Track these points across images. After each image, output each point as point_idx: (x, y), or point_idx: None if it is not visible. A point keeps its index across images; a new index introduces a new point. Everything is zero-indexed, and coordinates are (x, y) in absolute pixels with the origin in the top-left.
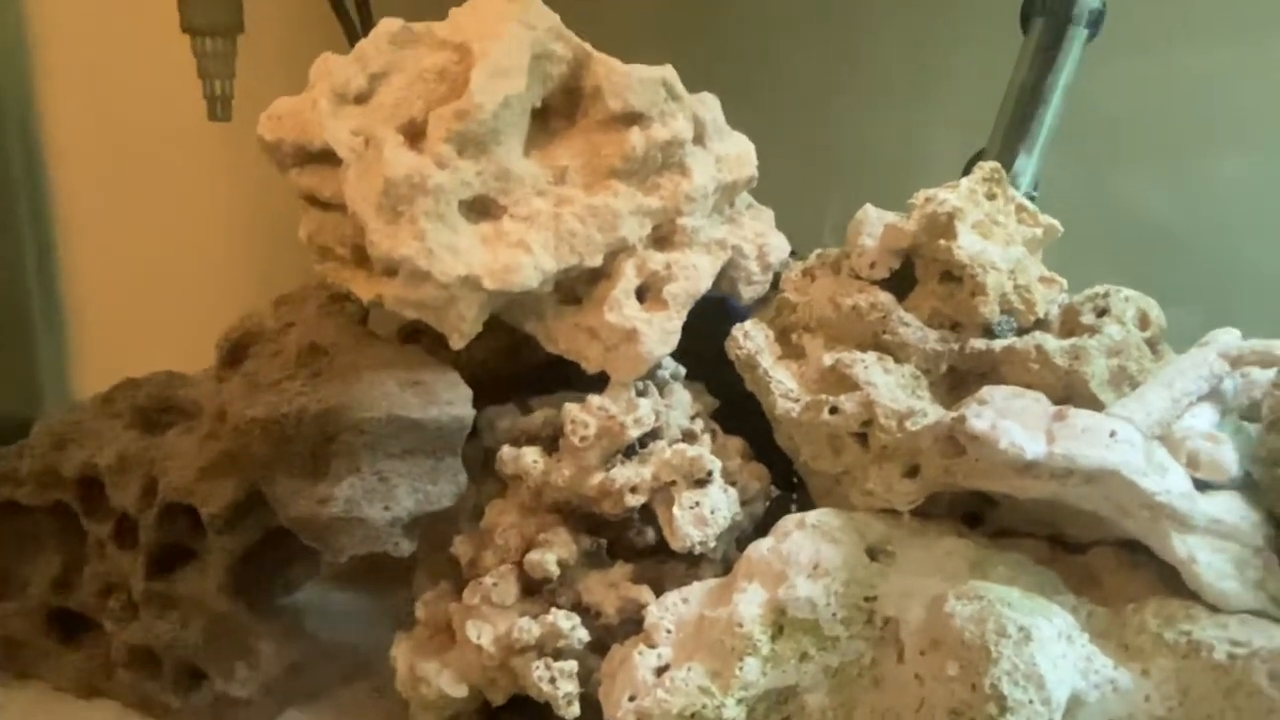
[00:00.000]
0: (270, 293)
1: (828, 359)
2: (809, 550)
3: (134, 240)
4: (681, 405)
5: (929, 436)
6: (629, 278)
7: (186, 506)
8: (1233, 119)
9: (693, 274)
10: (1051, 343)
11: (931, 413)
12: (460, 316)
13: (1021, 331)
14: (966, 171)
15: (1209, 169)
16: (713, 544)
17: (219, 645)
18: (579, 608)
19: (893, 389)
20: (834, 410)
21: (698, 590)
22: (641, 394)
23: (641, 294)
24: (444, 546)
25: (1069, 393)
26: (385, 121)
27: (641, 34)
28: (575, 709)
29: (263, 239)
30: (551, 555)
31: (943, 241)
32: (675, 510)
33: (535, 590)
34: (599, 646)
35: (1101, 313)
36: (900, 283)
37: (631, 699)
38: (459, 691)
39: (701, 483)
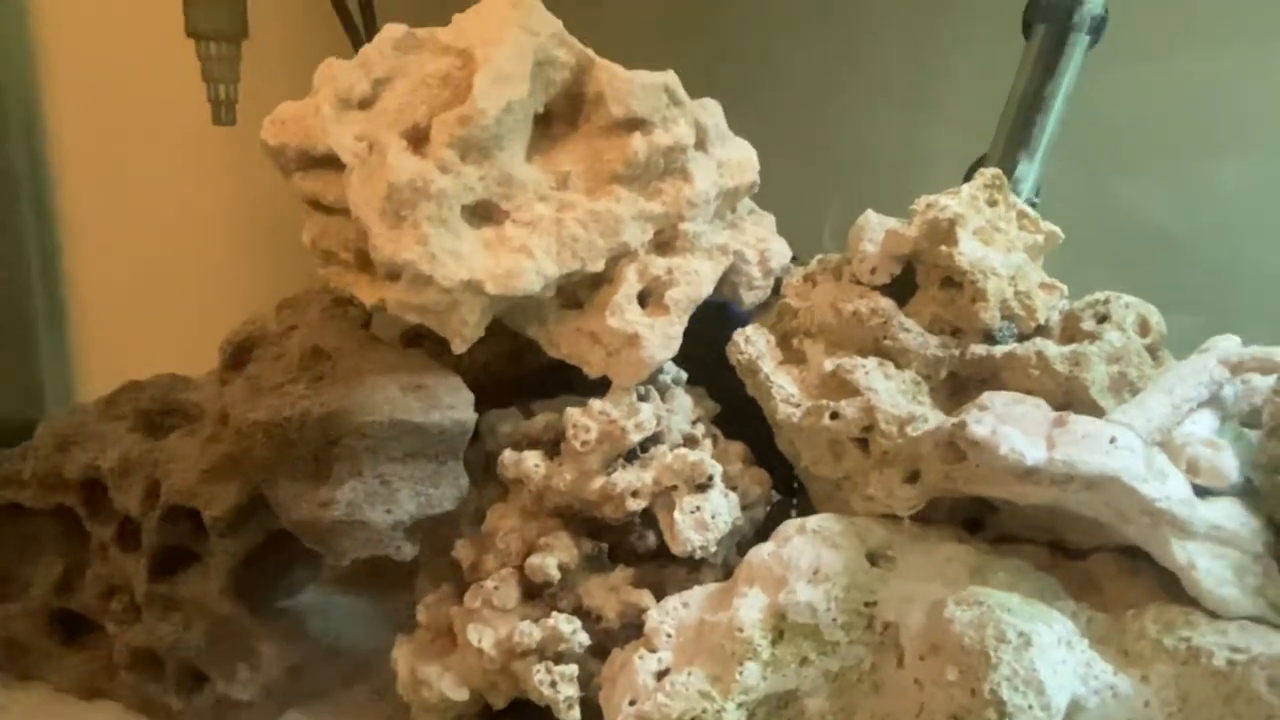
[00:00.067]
0: (273, 296)
1: (829, 364)
2: (809, 555)
3: (138, 243)
4: (683, 410)
5: (929, 442)
6: (631, 283)
7: (189, 509)
8: (1233, 125)
9: (694, 279)
10: (1052, 349)
11: (932, 418)
12: (462, 321)
13: (1022, 337)
14: (968, 177)
15: (1210, 175)
16: (713, 548)
17: (221, 647)
18: (580, 612)
19: (893, 394)
20: (835, 415)
21: (698, 595)
22: (643, 399)
23: (643, 299)
24: (445, 550)
25: (1069, 399)
26: (389, 126)
27: (642, 38)
28: (576, 713)
29: (266, 243)
30: (552, 559)
31: (944, 247)
32: (676, 515)
33: (536, 594)
34: (600, 650)
35: (1102, 319)
36: (901, 288)
37: (632, 703)
38: (460, 695)
39: (702, 487)
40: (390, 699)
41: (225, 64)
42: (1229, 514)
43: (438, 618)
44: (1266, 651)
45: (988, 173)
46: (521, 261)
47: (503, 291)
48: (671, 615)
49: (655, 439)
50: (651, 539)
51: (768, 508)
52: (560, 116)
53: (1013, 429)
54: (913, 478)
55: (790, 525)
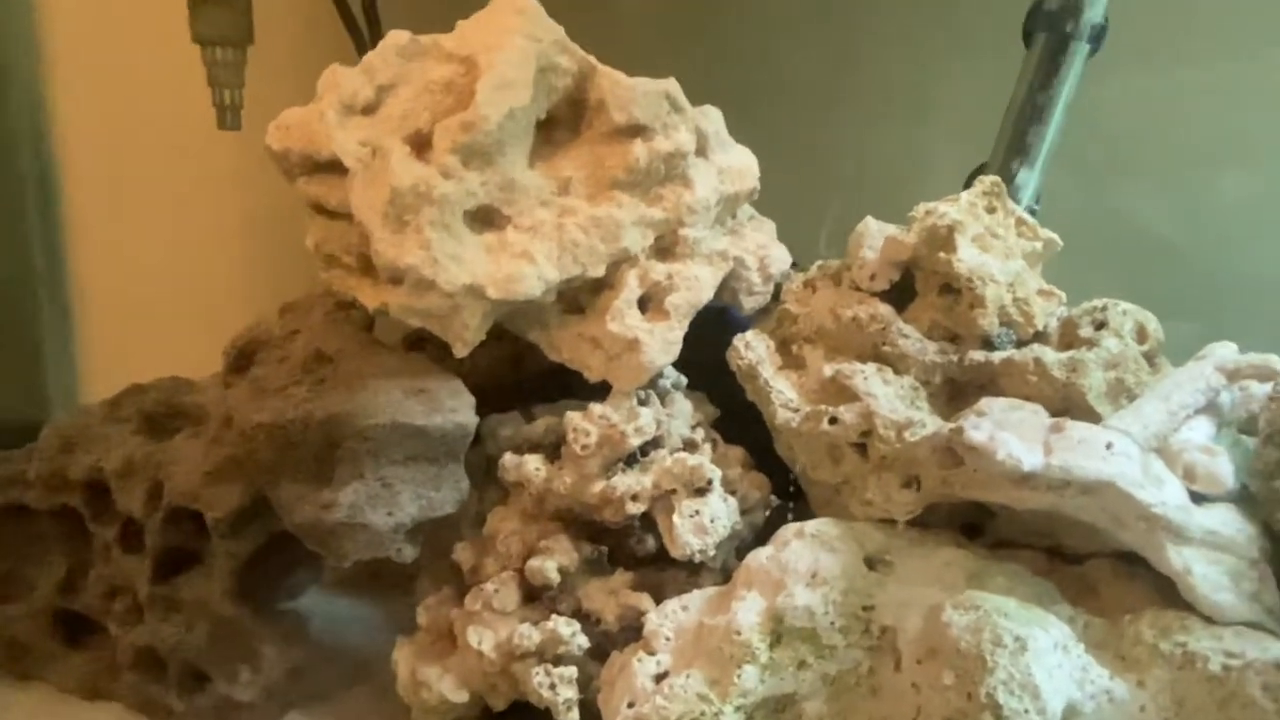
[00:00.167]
0: (277, 300)
1: (828, 370)
2: (808, 559)
3: (142, 247)
4: (683, 414)
5: (927, 447)
6: (631, 288)
7: (192, 511)
8: (1231, 134)
9: (694, 284)
10: (1050, 355)
11: (930, 424)
12: (464, 325)
13: (1020, 344)
14: (968, 185)
15: (1208, 183)
16: (712, 552)
17: (223, 648)
18: (579, 614)
19: (892, 400)
20: (834, 421)
21: (697, 598)
22: (643, 403)
23: (644, 304)
24: (446, 553)
25: (1067, 405)
26: (392, 132)
27: (643, 45)
28: (575, 715)
29: (270, 247)
30: (552, 562)
31: (942, 254)
32: (675, 518)
33: (536, 597)
34: (599, 653)
35: (1099, 326)
36: (900, 295)
37: (630, 705)
38: (460, 697)
39: (702, 491)
40: (390, 700)
41: (230, 69)
42: (1225, 520)
43: (438, 620)
44: (1261, 657)
45: (986, 180)
46: (523, 266)
47: (504, 296)
48: (670, 618)
49: (655, 443)
50: (651, 542)
51: (767, 512)
52: (562, 123)
53: (1010, 435)
54: (911, 483)
55: (789, 529)
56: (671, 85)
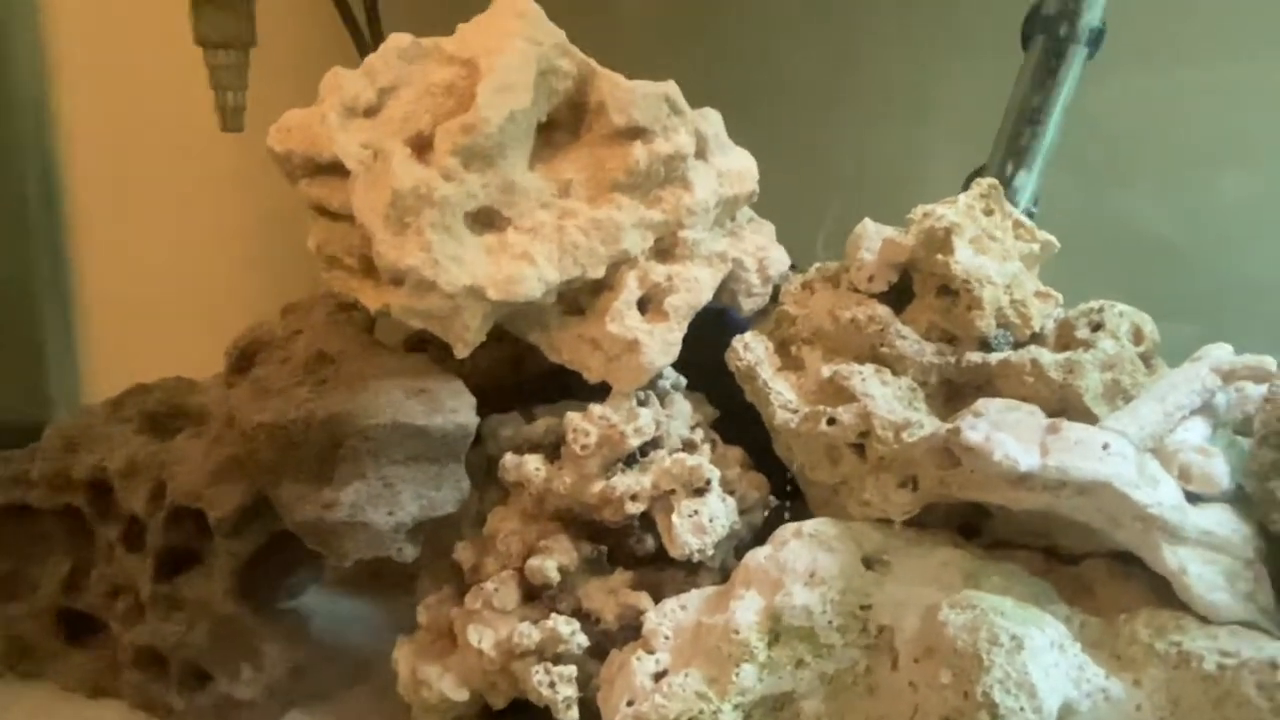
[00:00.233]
0: (279, 301)
1: (826, 371)
2: (806, 559)
3: (145, 248)
4: (682, 415)
5: (925, 448)
6: (631, 289)
7: (194, 510)
8: (1227, 137)
9: (694, 286)
10: (1046, 356)
11: (928, 424)
12: (465, 326)
13: (1017, 345)
14: (967, 187)
15: (1206, 185)
16: (711, 552)
17: (224, 647)
18: (579, 613)
19: (890, 401)
20: (832, 421)
21: (696, 597)
22: (642, 404)
23: (643, 305)
24: (447, 552)
25: (1063, 406)
26: (393, 134)
27: (643, 46)
28: (574, 713)
29: (272, 248)
30: (552, 562)
31: (940, 256)
32: (674, 518)
33: (536, 596)
34: (598, 652)
35: (1096, 327)
36: (898, 296)
37: (630, 704)
38: (460, 695)
39: (700, 491)
40: (391, 699)
41: (233, 72)
42: (1220, 520)
43: (438, 619)
44: (1256, 656)
45: (984, 183)
46: (523, 268)
47: (504, 297)
48: (669, 617)
49: (654, 443)
50: (650, 542)
51: (765, 512)
52: (562, 125)
53: (1007, 435)
54: (908, 483)
55: (787, 529)
56: (671, 88)
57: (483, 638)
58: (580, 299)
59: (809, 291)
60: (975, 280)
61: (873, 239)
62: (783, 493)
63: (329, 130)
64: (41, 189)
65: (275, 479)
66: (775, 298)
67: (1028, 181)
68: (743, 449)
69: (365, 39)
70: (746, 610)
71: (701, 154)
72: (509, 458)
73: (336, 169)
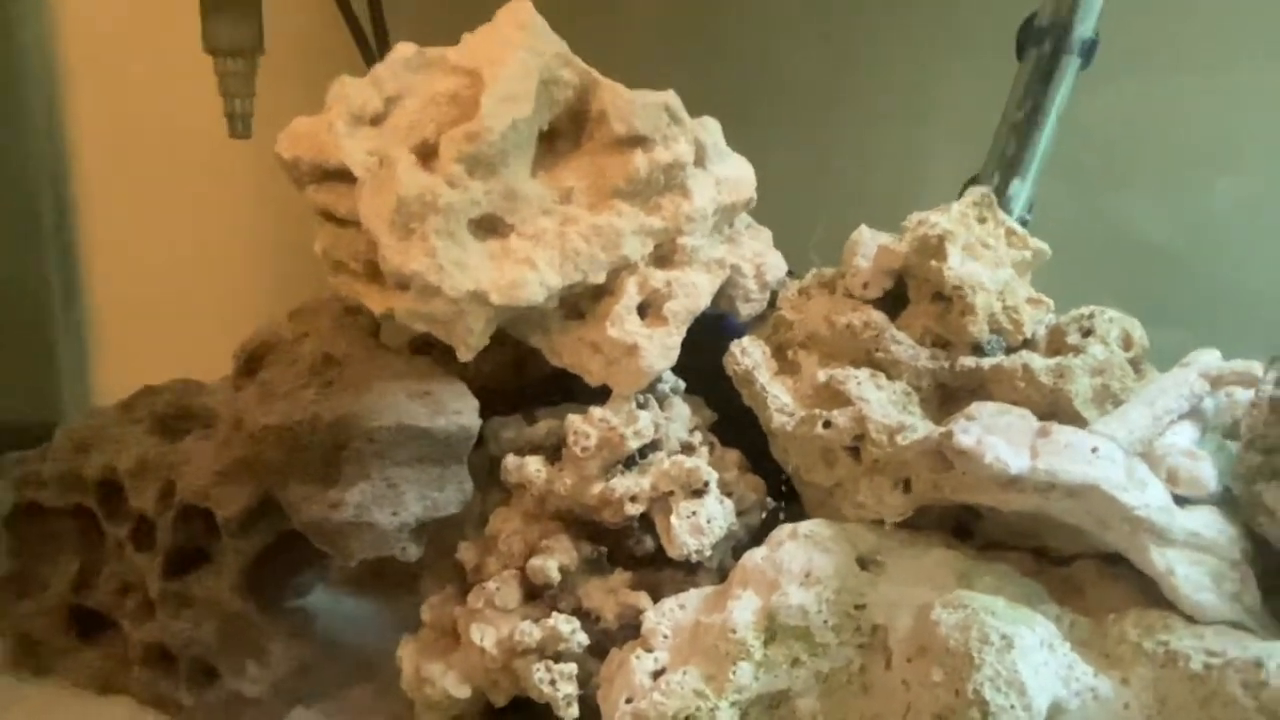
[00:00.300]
0: (286, 305)
1: (822, 375)
2: (801, 559)
3: (155, 252)
4: (681, 418)
5: (918, 451)
6: (631, 294)
7: (203, 510)
8: (1223, 142)
9: (692, 291)
10: (1038, 361)
11: (921, 428)
12: (468, 330)
13: (1009, 350)
14: (963, 195)
15: (1200, 191)
16: (709, 552)
17: (231, 645)
18: (579, 612)
19: (884, 405)
20: (827, 424)
21: (694, 597)
22: (642, 407)
23: (643, 310)
24: (450, 552)
25: (1054, 410)
26: (399, 142)
27: (643, 48)
28: (574, 710)
29: (279, 252)
30: (553, 561)
31: (934, 263)
32: (673, 519)
33: (537, 595)
34: (598, 650)
35: (1086, 333)
36: (893, 302)
37: (629, 701)
38: (462, 692)
39: (699, 493)
40: (394, 696)
41: (241, 79)
42: (1207, 522)
43: (441, 617)
44: (1242, 656)
45: (977, 191)
46: (525, 273)
47: (507, 302)
48: (668, 616)
49: (654, 446)
50: (649, 543)
51: (763, 513)
52: (564, 134)
53: (998, 439)
54: (902, 485)
55: (783, 530)
56: (671, 98)
57: (485, 636)
58: (581, 304)
59: (805, 297)
60: (968, 287)
61: (868, 245)
62: (779, 494)
63: (336, 137)
64: (53, 194)
65: (282, 479)
66: (772, 303)
67: (1021, 190)
68: (740, 451)
69: (371, 48)
70: (743, 610)
71: (700, 162)
72: (511, 459)
73: (343, 175)
